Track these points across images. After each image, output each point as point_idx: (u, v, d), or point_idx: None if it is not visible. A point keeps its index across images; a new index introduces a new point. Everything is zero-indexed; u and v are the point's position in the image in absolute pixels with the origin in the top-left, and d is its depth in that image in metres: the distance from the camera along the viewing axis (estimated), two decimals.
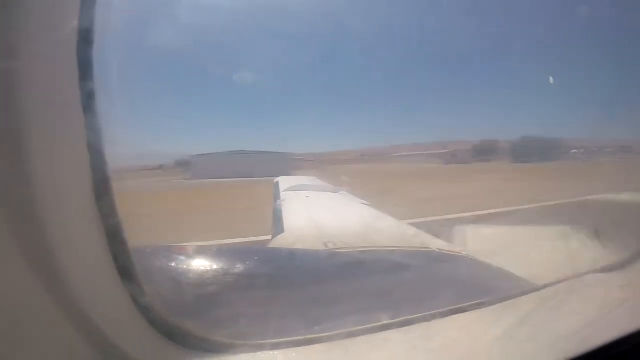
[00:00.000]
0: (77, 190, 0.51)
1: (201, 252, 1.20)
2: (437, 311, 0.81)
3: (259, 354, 0.67)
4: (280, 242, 1.98)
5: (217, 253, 1.25)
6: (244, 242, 4.21)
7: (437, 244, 1.88)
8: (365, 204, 3.21)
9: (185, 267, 1.03)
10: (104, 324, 0.53)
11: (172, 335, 0.64)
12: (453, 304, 0.84)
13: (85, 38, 0.49)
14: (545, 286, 0.95)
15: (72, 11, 0.47)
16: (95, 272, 0.55)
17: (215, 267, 1.09)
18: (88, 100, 0.50)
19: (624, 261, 1.09)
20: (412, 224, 2.51)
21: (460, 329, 0.77)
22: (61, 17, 0.47)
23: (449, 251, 1.78)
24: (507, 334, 0.74)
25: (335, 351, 0.69)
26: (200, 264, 1.09)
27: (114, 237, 0.56)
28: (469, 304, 0.84)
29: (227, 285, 1.00)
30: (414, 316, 0.79)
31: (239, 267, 1.11)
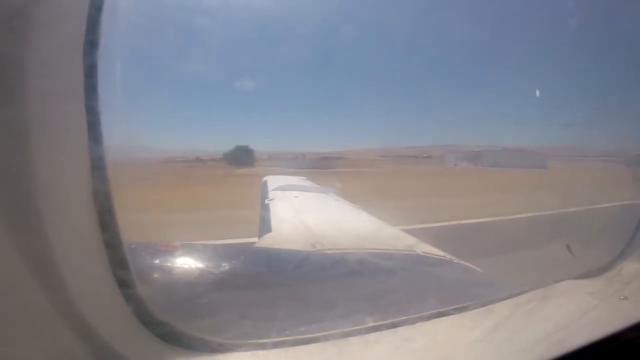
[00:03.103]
0: (76, 192, 0.51)
1: (189, 250, 1.19)
2: (422, 314, 0.84)
3: (251, 353, 0.68)
4: (268, 241, 1.98)
5: (206, 252, 1.25)
6: None
7: (422, 248, 1.93)
8: (353, 206, 3.24)
9: (175, 265, 1.04)
10: (97, 324, 0.53)
11: (165, 335, 0.65)
12: (436, 307, 0.87)
13: (92, 42, 0.49)
14: (522, 292, 0.99)
15: (80, 13, 0.48)
16: (90, 273, 0.55)
17: (204, 266, 1.09)
18: (92, 102, 0.50)
19: (595, 269, 1.15)
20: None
21: (442, 332, 0.80)
22: (69, 20, 0.47)
23: (433, 254, 1.83)
24: (485, 337, 0.77)
25: (326, 351, 0.71)
26: (189, 263, 1.09)
27: (111, 238, 0.56)
28: (450, 307, 0.88)
29: (217, 284, 1.00)
30: (400, 318, 0.82)
31: (228, 267, 1.12)
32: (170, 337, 0.65)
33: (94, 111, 0.51)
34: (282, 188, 3.79)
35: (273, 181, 4.39)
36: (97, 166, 0.52)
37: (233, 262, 1.20)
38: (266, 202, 3.06)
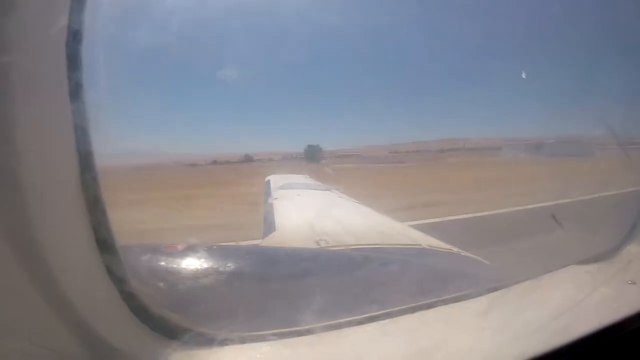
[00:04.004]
0: (65, 187, 0.52)
1: (192, 251, 1.20)
2: (422, 303, 0.83)
3: (248, 345, 0.68)
4: (272, 240, 2.00)
5: (208, 251, 1.25)
6: None
7: (427, 241, 1.92)
8: (357, 202, 3.23)
9: (175, 264, 1.04)
10: (90, 317, 0.53)
11: (159, 327, 0.65)
12: (438, 297, 0.86)
13: (76, 37, 0.49)
14: (525, 279, 0.98)
15: (63, 8, 0.48)
16: (83, 266, 0.55)
17: (205, 265, 1.10)
18: (78, 97, 0.50)
19: (601, 253, 1.13)
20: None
21: (440, 321, 0.80)
22: (52, 13, 0.47)
23: (439, 248, 1.82)
24: (486, 325, 0.76)
25: (322, 341, 0.70)
26: (192, 262, 1.09)
27: (102, 233, 0.56)
28: (450, 296, 0.87)
29: (216, 281, 1.01)
30: (400, 308, 0.81)
31: (230, 265, 1.12)
32: (164, 328, 0.65)
33: (80, 107, 0.51)
34: (286, 186, 3.80)
35: (276, 180, 4.40)
36: (85, 159, 0.53)
37: (237, 260, 1.20)
38: (270, 201, 3.07)
